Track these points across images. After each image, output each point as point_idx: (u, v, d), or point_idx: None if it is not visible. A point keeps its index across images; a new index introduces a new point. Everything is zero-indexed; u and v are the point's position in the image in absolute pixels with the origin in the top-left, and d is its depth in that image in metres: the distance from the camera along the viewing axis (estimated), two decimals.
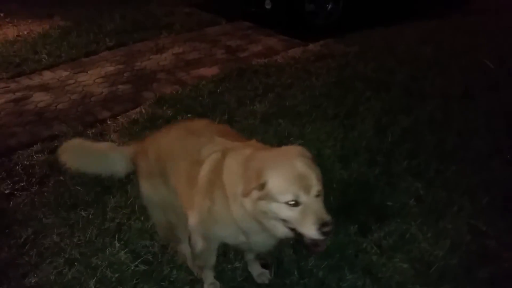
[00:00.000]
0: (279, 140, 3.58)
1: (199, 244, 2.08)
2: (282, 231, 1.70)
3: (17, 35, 6.22)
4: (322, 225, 1.57)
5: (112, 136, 3.85)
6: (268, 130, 3.76)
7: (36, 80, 5.03)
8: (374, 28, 5.91)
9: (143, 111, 4.20)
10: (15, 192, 3.25)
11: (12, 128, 4.06)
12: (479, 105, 3.92)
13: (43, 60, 5.44)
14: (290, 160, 1.68)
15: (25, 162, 3.56)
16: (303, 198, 1.60)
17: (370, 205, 2.86)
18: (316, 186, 1.63)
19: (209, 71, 5.01)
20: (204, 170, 1.94)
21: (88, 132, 3.92)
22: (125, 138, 3.76)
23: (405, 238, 2.61)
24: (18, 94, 4.70)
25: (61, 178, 3.34)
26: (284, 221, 1.65)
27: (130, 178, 3.24)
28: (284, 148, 1.92)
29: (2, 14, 7.12)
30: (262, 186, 1.63)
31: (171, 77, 4.97)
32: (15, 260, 2.68)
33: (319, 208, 1.61)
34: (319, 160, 3.26)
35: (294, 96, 4.30)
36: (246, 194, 1.68)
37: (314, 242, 1.64)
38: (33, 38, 6.03)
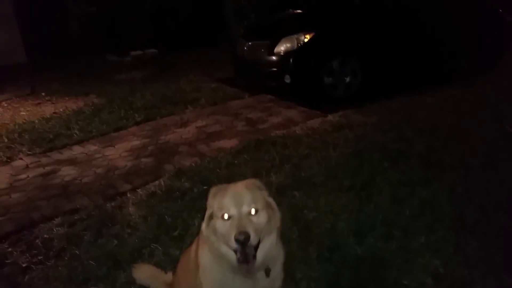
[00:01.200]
0: (292, 213, 3.57)
1: None
2: (231, 255, 1.85)
3: (53, 112, 6.75)
4: (239, 233, 1.72)
5: (130, 209, 3.96)
6: (282, 202, 3.76)
7: (66, 154, 5.36)
8: (393, 98, 6.01)
9: (162, 183, 4.34)
10: (32, 266, 3.34)
11: (37, 202, 4.27)
12: (502, 177, 3.79)
13: (75, 135, 5.82)
14: (233, 185, 1.93)
15: (45, 236, 3.68)
16: (233, 212, 1.80)
17: (385, 284, 2.74)
18: (249, 204, 1.81)
19: (228, 143, 5.18)
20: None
21: (107, 205, 4.06)
22: (142, 211, 3.86)
23: None
24: (48, 169, 5.00)
25: (77, 252, 3.42)
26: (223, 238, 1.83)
27: (142, 252, 3.31)
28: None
29: (43, 93, 7.78)
30: (210, 207, 1.90)
31: (192, 149, 5.16)
32: None
33: (245, 222, 1.77)
34: (332, 234, 3.25)
35: (310, 166, 4.33)
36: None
37: (242, 258, 1.79)
38: (68, 115, 6.52)
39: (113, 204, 4.08)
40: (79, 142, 5.65)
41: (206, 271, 2.01)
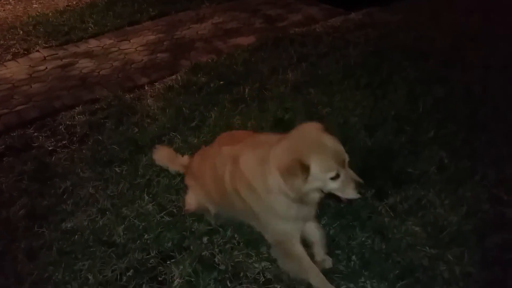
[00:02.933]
0: (307, 108, 3.74)
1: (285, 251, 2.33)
2: (319, 196, 2.08)
3: (67, 5, 6.73)
4: (360, 188, 1.98)
5: (148, 101, 4.17)
6: (297, 98, 3.91)
7: (82, 47, 5.49)
8: None
9: (179, 78, 4.48)
10: (57, 149, 3.66)
11: (57, 92, 4.51)
12: None
13: (90, 28, 5.90)
14: (319, 140, 1.99)
15: (68, 123, 3.97)
16: (341, 171, 1.95)
17: (389, 171, 2.97)
18: (347, 158, 1.99)
19: (245, 40, 5.19)
20: (227, 183, 2.30)
21: (126, 96, 4.26)
22: (160, 103, 4.07)
23: (421, 204, 2.71)
24: (65, 61, 5.17)
25: (99, 137, 3.71)
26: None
27: (162, 140, 3.57)
28: (300, 128, 2.12)
29: None
30: (306, 171, 1.92)
31: (208, 45, 5.21)
32: (54, 208, 3.06)
33: (354, 176, 2.00)
34: (344, 127, 3.42)
35: (328, 65, 4.39)
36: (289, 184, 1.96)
37: (348, 200, 2.10)
38: (81, 8, 6.52)
39: (131, 95, 4.29)
40: (94, 36, 5.74)
41: (277, 212, 2.16)
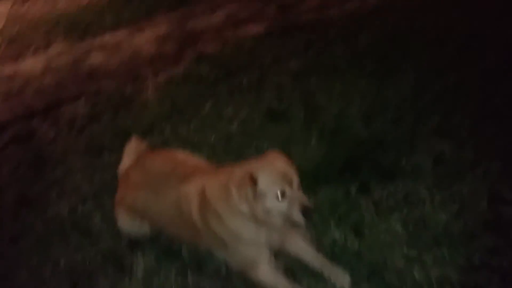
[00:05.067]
0: (303, 98, 3.57)
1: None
2: (280, 221, 2.05)
3: (88, 2, 6.92)
4: (306, 212, 1.96)
5: (148, 92, 4.18)
6: (296, 87, 3.74)
7: (97, 41, 5.61)
8: None
9: (181, 69, 4.45)
10: (57, 139, 3.79)
11: (66, 84, 4.64)
12: None
13: (107, 22, 6.01)
14: (270, 161, 2.07)
15: (70, 114, 4.07)
16: (288, 189, 1.96)
17: (380, 164, 2.75)
18: (296, 180, 2.00)
19: (255, 29, 5.06)
20: (196, 219, 2.21)
21: (128, 88, 4.30)
22: (158, 94, 4.06)
23: (408, 200, 2.47)
24: (79, 55, 5.33)
25: (96, 128, 3.78)
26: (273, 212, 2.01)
27: (152, 130, 3.56)
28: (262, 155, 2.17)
29: None
30: (254, 185, 1.96)
31: (217, 36, 5.14)
32: (42, 195, 3.17)
33: (302, 199, 2.00)
34: (339, 117, 3.23)
35: (334, 53, 4.17)
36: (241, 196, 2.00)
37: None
38: (102, 3, 6.66)
39: (133, 87, 4.32)
40: (111, 29, 5.85)
41: (243, 236, 2.12)
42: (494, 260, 2.06)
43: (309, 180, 2.51)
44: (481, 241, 2.17)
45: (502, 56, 3.60)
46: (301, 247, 2.25)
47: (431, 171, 2.64)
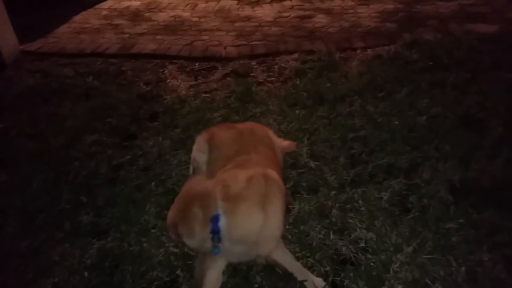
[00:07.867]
0: (509, 114, 3.34)
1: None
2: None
3: None
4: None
5: (353, 63, 4.44)
6: (504, 101, 3.51)
7: (326, 4, 6.05)
8: None
9: (392, 49, 4.55)
10: (264, 82, 4.37)
11: (287, 38, 5.22)
12: None
13: None
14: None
15: (282, 65, 4.63)
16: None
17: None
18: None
19: (486, 29, 4.74)
20: None
21: (337, 55, 4.63)
22: (362, 68, 4.29)
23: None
24: (306, 13, 5.85)
25: (297, 82, 4.24)
26: None
27: (344, 100, 3.83)
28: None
29: None
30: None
31: (441, 25, 5.00)
32: None
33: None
34: None
35: None
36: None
37: None
38: None
39: (342, 55, 4.63)
40: None
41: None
42: None
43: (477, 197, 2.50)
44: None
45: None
46: (279, 255, 2.28)
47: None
